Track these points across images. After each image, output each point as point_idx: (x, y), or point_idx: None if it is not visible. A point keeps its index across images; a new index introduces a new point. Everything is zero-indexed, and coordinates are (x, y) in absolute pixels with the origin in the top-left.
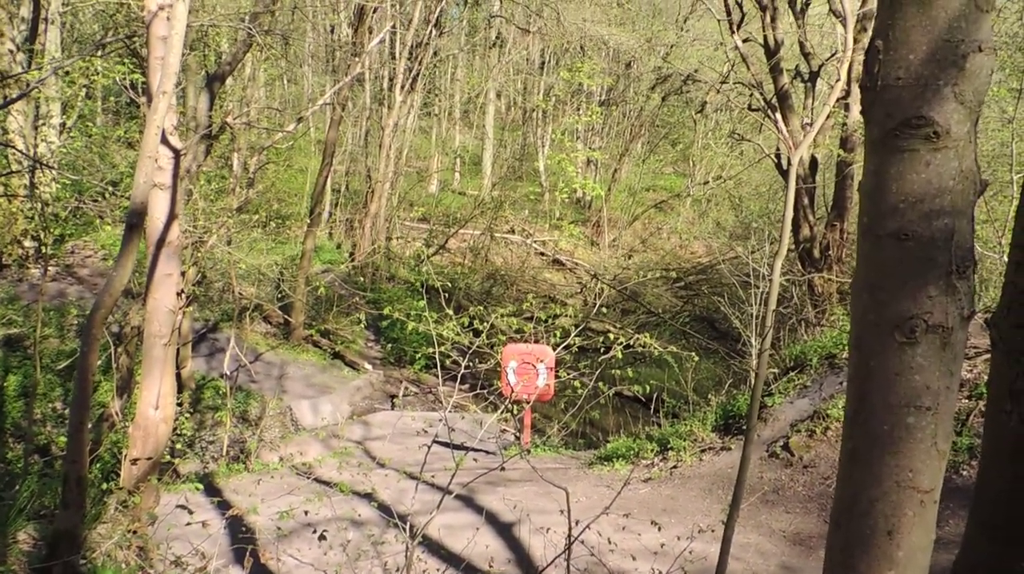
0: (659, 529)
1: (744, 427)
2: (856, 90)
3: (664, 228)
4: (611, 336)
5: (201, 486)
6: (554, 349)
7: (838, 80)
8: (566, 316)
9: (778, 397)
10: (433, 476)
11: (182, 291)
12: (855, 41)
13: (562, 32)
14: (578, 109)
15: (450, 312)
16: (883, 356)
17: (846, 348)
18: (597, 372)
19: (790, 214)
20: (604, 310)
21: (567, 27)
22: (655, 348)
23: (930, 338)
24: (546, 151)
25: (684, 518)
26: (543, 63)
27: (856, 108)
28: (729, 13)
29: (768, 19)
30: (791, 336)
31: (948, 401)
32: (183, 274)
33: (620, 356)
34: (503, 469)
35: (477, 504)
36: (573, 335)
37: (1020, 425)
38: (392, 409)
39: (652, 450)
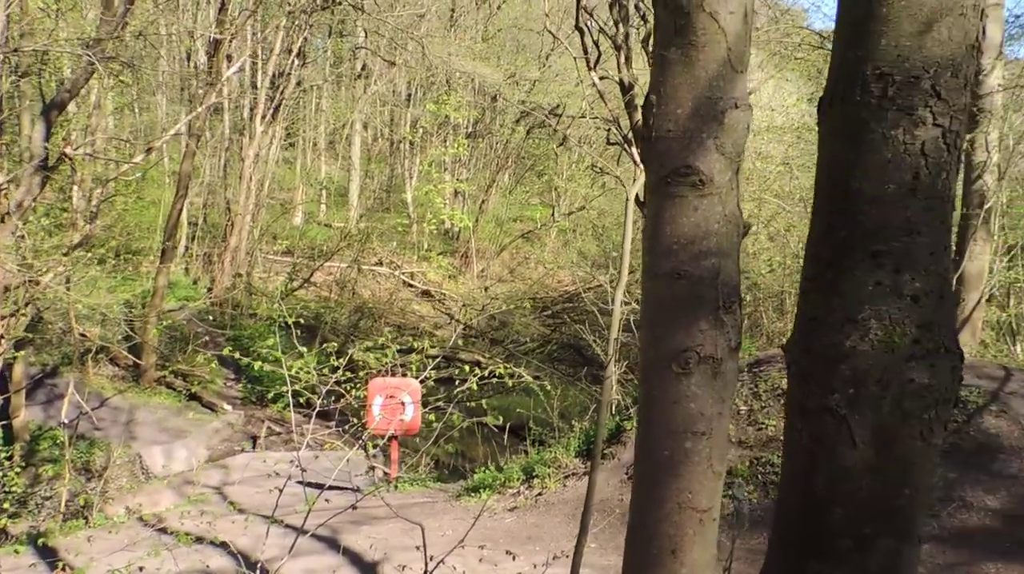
0: (514, 558)
1: (602, 451)
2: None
3: (531, 258)
4: (479, 367)
5: (22, 548)
6: (421, 382)
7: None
8: (433, 347)
9: (635, 420)
10: (282, 520)
11: (1, 336)
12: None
13: (427, 65)
14: (445, 141)
15: (302, 349)
16: (663, 386)
17: None
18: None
19: (628, 246)
20: (473, 340)
21: (432, 60)
22: (509, 378)
23: (703, 368)
24: (414, 182)
25: (548, 545)
26: (410, 95)
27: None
28: (586, 52)
29: (622, 59)
30: None
31: (721, 426)
32: (2, 317)
33: (475, 387)
34: (355, 507)
35: (339, 544)
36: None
37: (810, 442)
38: (254, 450)
39: (518, 478)
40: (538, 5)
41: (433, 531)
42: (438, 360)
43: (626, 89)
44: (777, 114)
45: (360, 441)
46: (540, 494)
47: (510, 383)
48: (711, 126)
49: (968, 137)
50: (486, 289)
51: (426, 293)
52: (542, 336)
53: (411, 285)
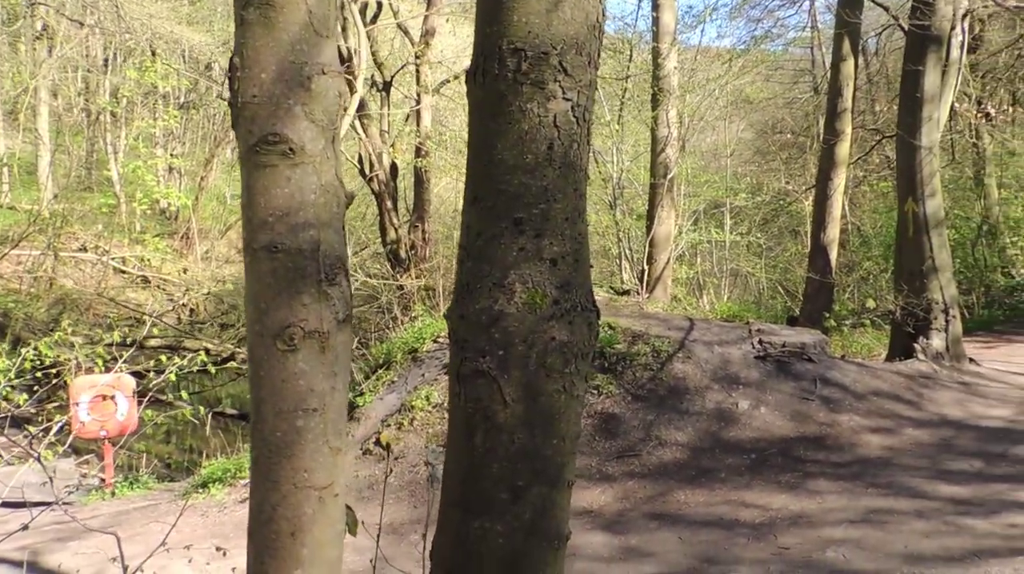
0: (224, 554)
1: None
2: (426, 99)
3: None
4: (207, 354)
5: None
6: (138, 376)
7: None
8: (154, 338)
9: (368, 395)
10: None
11: None
12: (419, 55)
13: (125, 28)
14: (154, 112)
15: None
16: (270, 365)
17: (425, 342)
18: (175, 395)
19: None
20: (201, 326)
21: (130, 23)
22: (211, 366)
23: (309, 344)
24: (120, 158)
25: None
26: (107, 60)
27: (427, 116)
28: None
29: (339, 28)
30: (384, 335)
31: (335, 401)
32: None
33: (174, 378)
34: (27, 527)
35: (43, 567)
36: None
37: (467, 405)
38: None
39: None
40: None
41: (156, 536)
42: (159, 350)
43: (344, 60)
44: None
45: (66, 447)
46: None
47: (213, 371)
48: (298, 92)
49: (653, 113)
50: (211, 271)
51: (143, 279)
52: None
53: (124, 271)
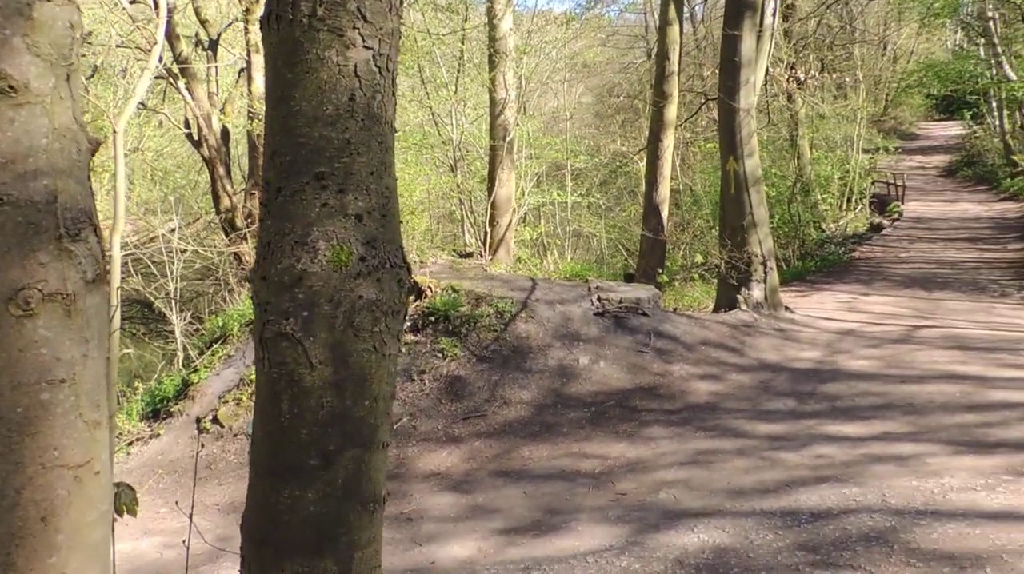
0: None
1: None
2: (256, 58)
3: None
4: None
5: None
6: None
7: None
8: None
9: (204, 371)
10: None
11: None
12: (248, 11)
13: None
14: None
15: None
16: (4, 332)
17: None
18: None
19: (122, 185)
20: None
21: None
22: None
23: (51, 307)
24: None
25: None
26: None
27: (260, 76)
28: None
29: None
30: (220, 308)
31: (88, 369)
32: None
33: None
34: None
35: None
36: None
37: (272, 370)
38: None
39: None
40: None
41: None
42: None
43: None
44: None
45: None
46: None
47: None
48: (16, 21)
49: (490, 75)
50: None
51: None
52: None
53: None
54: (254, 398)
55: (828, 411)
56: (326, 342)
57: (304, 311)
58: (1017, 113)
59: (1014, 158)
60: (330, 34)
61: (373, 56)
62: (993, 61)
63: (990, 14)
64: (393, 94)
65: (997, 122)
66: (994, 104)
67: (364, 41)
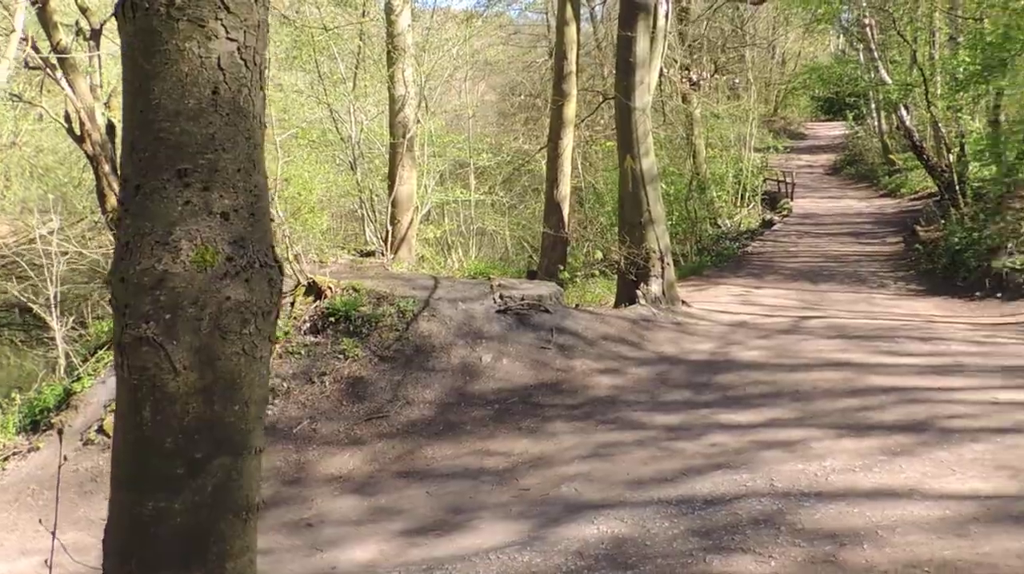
0: None
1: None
2: None
3: None
4: None
5: None
6: None
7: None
8: None
9: (88, 379)
10: None
11: None
12: None
13: None
14: None
15: None
16: None
17: None
18: None
19: None
20: None
21: None
22: None
23: None
24: None
25: None
26: None
27: None
28: None
29: None
30: (106, 312)
31: None
32: None
33: None
34: None
35: None
36: None
37: (131, 377)
38: None
39: None
40: None
41: None
42: None
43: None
44: None
45: None
46: None
47: None
48: None
49: (388, 72)
50: None
51: None
52: None
53: None
54: (116, 403)
55: (722, 401)
56: (191, 346)
57: (166, 314)
58: (894, 115)
59: (891, 157)
60: (190, 24)
61: (238, 48)
62: (871, 65)
63: (867, 21)
64: (262, 88)
65: (876, 123)
66: (873, 106)
67: (228, 33)
